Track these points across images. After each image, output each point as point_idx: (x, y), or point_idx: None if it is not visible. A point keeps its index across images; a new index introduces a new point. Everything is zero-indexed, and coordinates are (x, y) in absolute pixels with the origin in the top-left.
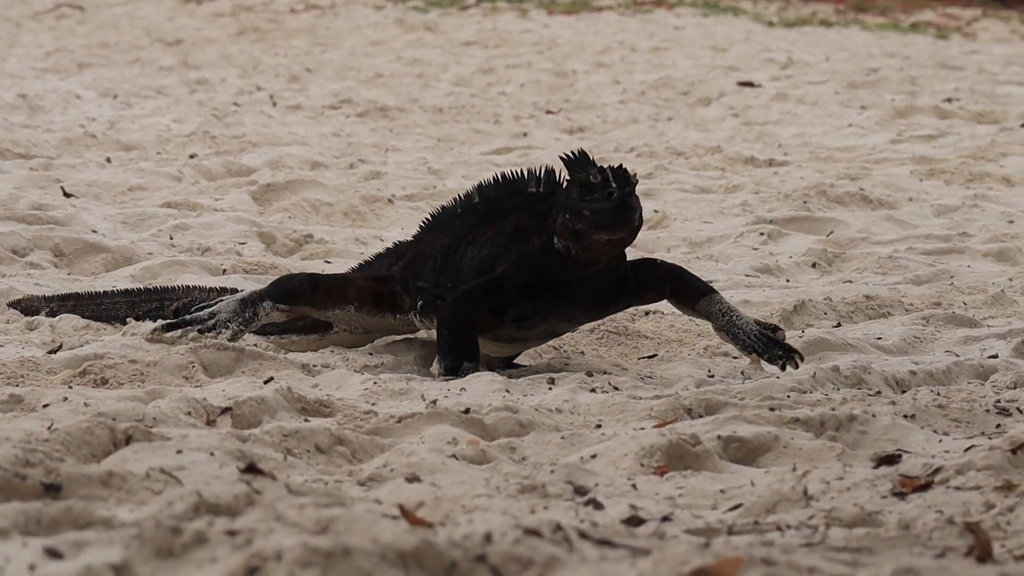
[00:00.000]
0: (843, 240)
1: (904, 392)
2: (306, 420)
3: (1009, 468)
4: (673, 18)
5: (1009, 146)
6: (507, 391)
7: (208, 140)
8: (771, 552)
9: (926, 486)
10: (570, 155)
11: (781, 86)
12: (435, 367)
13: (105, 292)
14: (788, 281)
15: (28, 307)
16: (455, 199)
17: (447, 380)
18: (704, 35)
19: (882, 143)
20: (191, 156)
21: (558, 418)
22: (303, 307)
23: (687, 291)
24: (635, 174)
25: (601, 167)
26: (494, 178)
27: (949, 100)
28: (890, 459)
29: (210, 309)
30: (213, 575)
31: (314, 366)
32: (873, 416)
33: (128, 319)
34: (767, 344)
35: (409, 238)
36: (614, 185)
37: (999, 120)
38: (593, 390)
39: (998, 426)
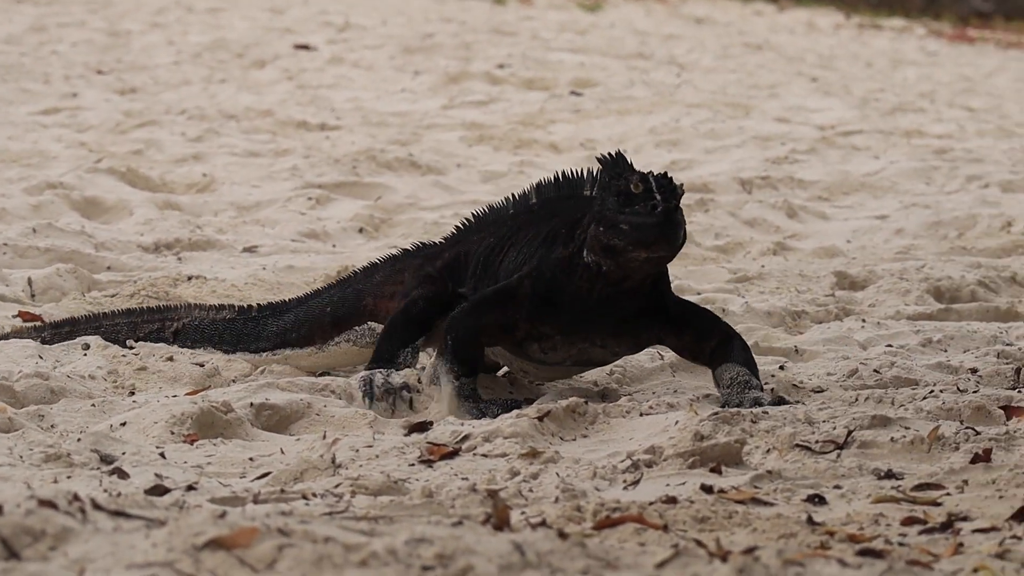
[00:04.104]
0: (390, 206)
1: None
2: None
3: (536, 435)
4: None
5: (557, 113)
6: (40, 357)
7: None
8: (288, 522)
9: (454, 453)
10: (606, 157)
11: (337, 50)
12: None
13: (104, 314)
14: (335, 246)
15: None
16: (509, 198)
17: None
18: None
19: (434, 109)
20: None
21: (91, 385)
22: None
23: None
24: (681, 184)
25: (643, 174)
26: (554, 177)
27: (501, 66)
28: (421, 426)
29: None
30: None
31: None
32: None
33: (128, 341)
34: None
35: (438, 240)
36: (658, 197)
37: (549, 87)
38: (129, 356)
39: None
